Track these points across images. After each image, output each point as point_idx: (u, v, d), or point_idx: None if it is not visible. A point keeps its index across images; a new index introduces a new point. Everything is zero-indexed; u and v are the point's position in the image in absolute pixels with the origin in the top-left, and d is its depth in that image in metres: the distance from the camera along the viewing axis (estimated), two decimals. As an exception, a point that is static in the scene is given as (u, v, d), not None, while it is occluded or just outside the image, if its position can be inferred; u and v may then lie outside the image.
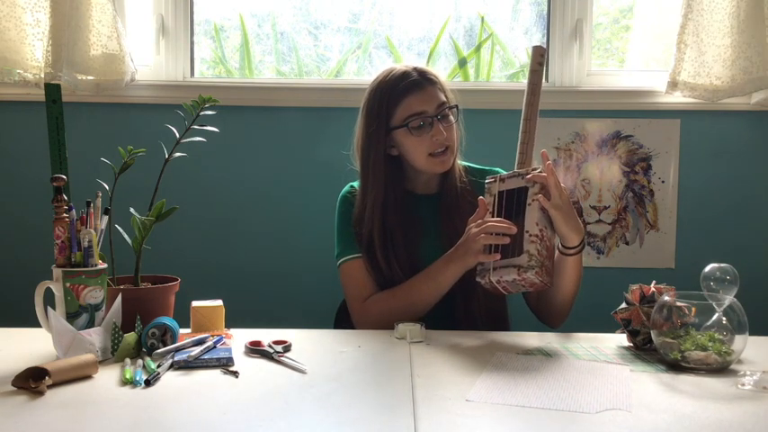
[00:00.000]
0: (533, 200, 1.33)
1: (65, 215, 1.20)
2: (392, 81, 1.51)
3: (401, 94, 1.49)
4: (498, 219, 1.36)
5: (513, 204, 1.36)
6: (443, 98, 1.52)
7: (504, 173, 1.42)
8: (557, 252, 1.41)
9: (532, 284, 1.32)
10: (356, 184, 1.61)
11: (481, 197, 1.41)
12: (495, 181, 1.41)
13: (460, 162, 1.62)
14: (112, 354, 1.16)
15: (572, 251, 1.39)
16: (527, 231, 1.32)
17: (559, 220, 1.34)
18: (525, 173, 1.37)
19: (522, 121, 1.47)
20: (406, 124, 1.49)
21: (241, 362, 1.15)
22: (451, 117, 1.53)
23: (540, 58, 1.49)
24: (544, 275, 1.31)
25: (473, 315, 1.49)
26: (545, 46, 1.56)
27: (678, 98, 2.04)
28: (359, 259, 1.52)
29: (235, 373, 1.08)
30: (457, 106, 1.54)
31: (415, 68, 1.53)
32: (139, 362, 1.12)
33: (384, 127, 1.51)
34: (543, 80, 2.14)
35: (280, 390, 1.02)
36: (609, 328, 1.37)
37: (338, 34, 2.26)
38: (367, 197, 1.53)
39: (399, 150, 1.54)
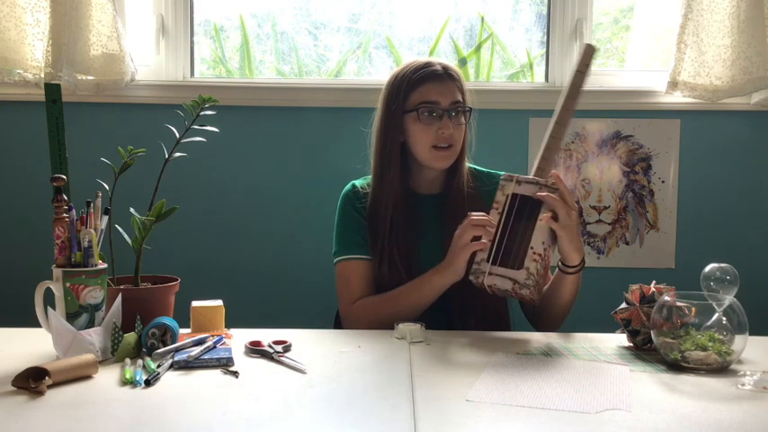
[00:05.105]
0: (544, 217, 1.32)
1: (65, 215, 1.20)
2: (414, 67, 1.54)
3: (420, 80, 1.51)
4: (480, 213, 1.37)
5: (524, 212, 1.33)
6: (459, 97, 1.53)
7: (521, 175, 1.37)
8: (557, 270, 1.42)
9: (521, 298, 1.34)
10: (358, 182, 1.61)
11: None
12: (511, 181, 1.37)
13: (468, 164, 1.62)
14: (112, 354, 1.16)
15: (572, 270, 1.39)
16: (532, 248, 1.31)
17: (565, 241, 1.34)
18: (545, 183, 1.34)
19: (553, 124, 1.39)
20: (417, 109, 1.49)
21: (241, 362, 1.15)
22: (463, 118, 1.53)
23: (588, 59, 1.39)
24: (535, 294, 1.32)
25: (469, 315, 1.49)
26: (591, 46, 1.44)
27: (678, 98, 2.04)
28: (354, 261, 1.52)
29: (235, 373, 1.08)
30: (471, 109, 1.55)
31: (440, 62, 1.55)
32: (139, 362, 1.12)
33: (400, 109, 1.51)
34: (544, 80, 2.17)
35: (280, 390, 1.02)
36: (609, 328, 1.36)
37: (338, 34, 2.26)
38: (383, 182, 1.53)
39: (406, 137, 1.53)
